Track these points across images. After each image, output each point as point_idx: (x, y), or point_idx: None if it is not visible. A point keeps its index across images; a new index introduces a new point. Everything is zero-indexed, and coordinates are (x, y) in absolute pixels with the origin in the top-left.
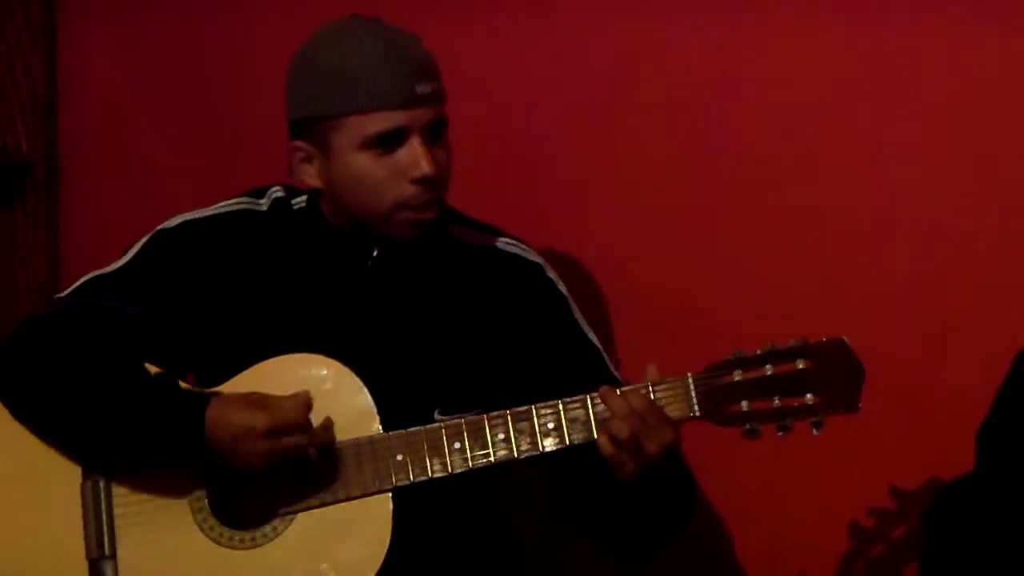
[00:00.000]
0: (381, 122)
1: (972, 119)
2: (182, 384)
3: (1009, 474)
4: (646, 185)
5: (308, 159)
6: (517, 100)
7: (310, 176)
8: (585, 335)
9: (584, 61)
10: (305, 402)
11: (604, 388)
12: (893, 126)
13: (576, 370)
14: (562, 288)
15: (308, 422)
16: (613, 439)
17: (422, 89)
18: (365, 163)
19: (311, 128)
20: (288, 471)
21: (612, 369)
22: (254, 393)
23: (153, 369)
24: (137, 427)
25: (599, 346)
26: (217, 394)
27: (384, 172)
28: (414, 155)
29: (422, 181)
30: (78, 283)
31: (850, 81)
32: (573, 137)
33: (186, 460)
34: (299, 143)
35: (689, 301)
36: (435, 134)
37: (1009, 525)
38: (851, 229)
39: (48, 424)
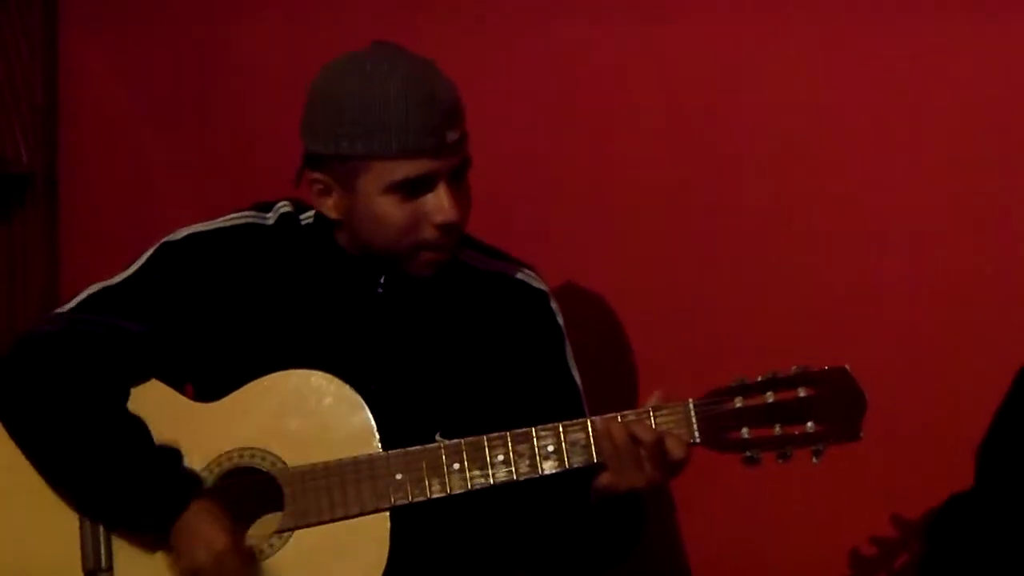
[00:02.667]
0: (410, 169)
1: (981, 124)
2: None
3: (1009, 490)
4: (648, 206)
5: (327, 191)
6: (517, 113)
7: (327, 208)
8: (570, 372)
9: (586, 72)
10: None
11: (609, 416)
12: (898, 135)
13: (552, 404)
14: (560, 321)
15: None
16: (616, 449)
17: (452, 136)
18: (389, 206)
19: (333, 163)
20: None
21: (586, 411)
22: (230, 517)
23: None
24: (112, 489)
25: (580, 386)
26: (201, 498)
27: (408, 215)
28: (440, 201)
29: (446, 226)
30: (82, 296)
31: (857, 89)
32: (573, 152)
33: (143, 532)
34: (318, 175)
35: (691, 324)
36: (460, 177)
37: (1009, 541)
38: (852, 247)
39: (32, 451)
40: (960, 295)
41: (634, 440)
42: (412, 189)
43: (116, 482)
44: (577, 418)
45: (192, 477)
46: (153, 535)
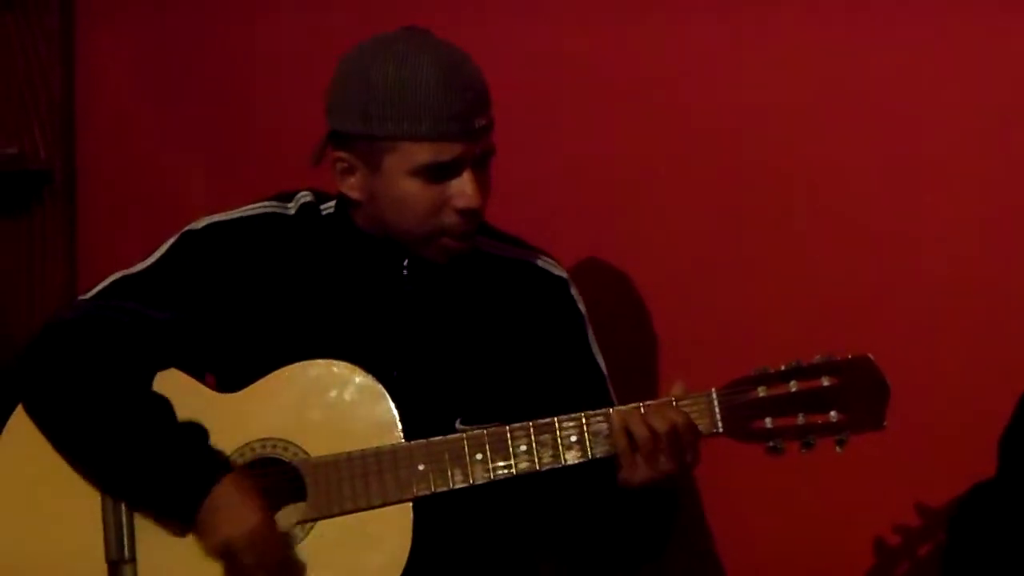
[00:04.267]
0: (439, 153)
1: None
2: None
3: None
4: (672, 196)
5: (351, 171)
6: (537, 103)
7: (350, 187)
8: (594, 358)
9: (600, 68)
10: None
11: (631, 406)
12: (916, 130)
13: (577, 391)
14: (582, 307)
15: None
16: (633, 443)
17: (480, 122)
18: (414, 188)
19: (359, 143)
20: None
21: (613, 397)
22: (261, 493)
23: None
24: (141, 471)
25: (605, 372)
26: (231, 477)
27: (432, 199)
28: (464, 187)
29: (468, 212)
30: (105, 283)
31: (870, 86)
32: (596, 145)
33: (171, 516)
34: (343, 154)
35: (713, 315)
36: (483, 164)
37: None
38: (875, 238)
39: (59, 436)
40: (985, 286)
41: (653, 432)
42: (438, 173)
43: (144, 462)
44: (604, 404)
45: (220, 456)
46: (178, 521)
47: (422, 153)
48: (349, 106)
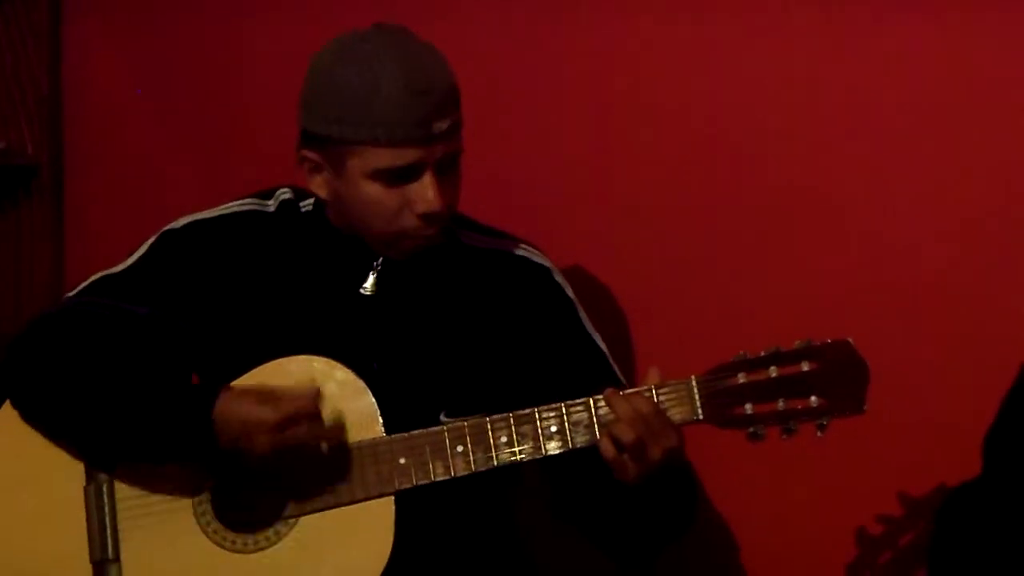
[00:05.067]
0: (396, 157)
1: (979, 119)
2: (190, 380)
3: (1016, 479)
4: (648, 186)
5: (318, 170)
6: (520, 102)
7: (317, 186)
8: (591, 338)
9: (588, 63)
10: (315, 394)
11: (608, 391)
12: (897, 126)
13: (582, 374)
14: (569, 292)
15: (318, 413)
16: (616, 442)
17: (440, 126)
18: (375, 191)
19: (325, 143)
20: (295, 468)
21: (618, 372)
22: (264, 386)
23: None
24: (146, 421)
25: (605, 350)
26: (227, 388)
27: (393, 202)
28: (424, 191)
29: (428, 216)
30: (86, 283)
31: (854, 82)
32: (576, 139)
33: (195, 455)
34: (310, 154)
35: (692, 302)
36: (448, 165)
37: (1016, 530)
38: (857, 230)
39: (57, 420)
40: (972, 283)
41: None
42: (397, 177)
43: (141, 414)
44: (608, 381)
45: (208, 386)
46: (200, 451)
47: (380, 157)
48: (315, 107)
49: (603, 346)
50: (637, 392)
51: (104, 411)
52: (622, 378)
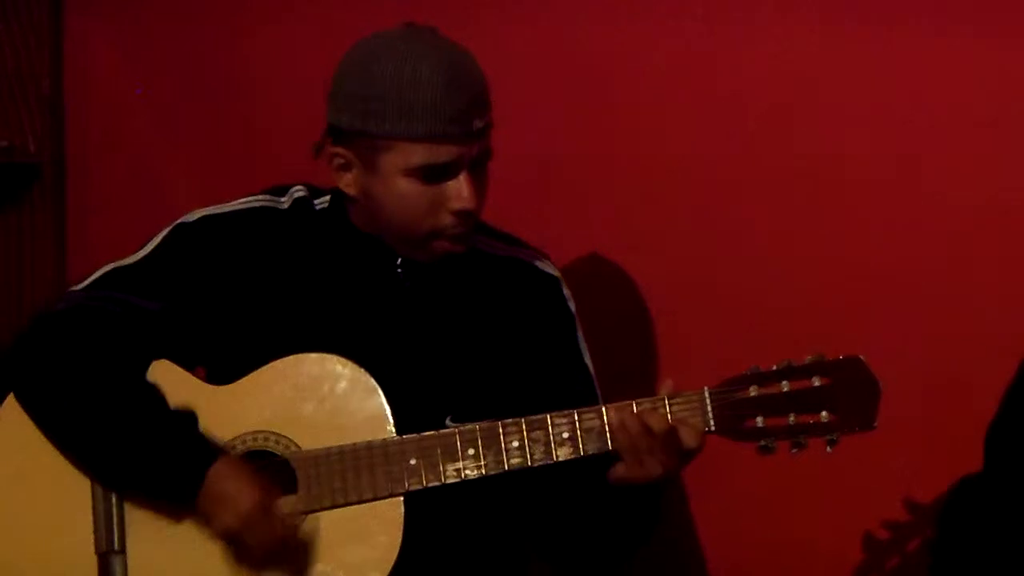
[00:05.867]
0: (435, 154)
1: (987, 121)
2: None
3: (1017, 475)
4: (664, 197)
5: (347, 167)
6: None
7: (346, 184)
8: (582, 357)
9: (593, 64)
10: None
11: (624, 403)
12: (908, 130)
13: (563, 389)
14: (572, 306)
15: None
16: (634, 441)
17: (478, 124)
18: (409, 188)
19: (356, 139)
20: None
21: (599, 396)
22: (256, 474)
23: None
24: (139, 456)
25: (592, 371)
26: (226, 456)
27: (427, 199)
28: (460, 188)
29: (463, 214)
30: (96, 274)
31: (863, 84)
32: (587, 145)
33: (169, 499)
34: (340, 150)
35: (706, 315)
36: (480, 165)
37: (1017, 526)
38: (867, 239)
39: (51, 426)
40: (969, 281)
41: (648, 431)
42: (434, 174)
43: (137, 451)
44: (590, 403)
45: (213, 442)
46: (174, 508)
47: (418, 153)
48: (348, 102)
49: (592, 368)
50: (650, 404)
51: (99, 435)
52: (601, 403)
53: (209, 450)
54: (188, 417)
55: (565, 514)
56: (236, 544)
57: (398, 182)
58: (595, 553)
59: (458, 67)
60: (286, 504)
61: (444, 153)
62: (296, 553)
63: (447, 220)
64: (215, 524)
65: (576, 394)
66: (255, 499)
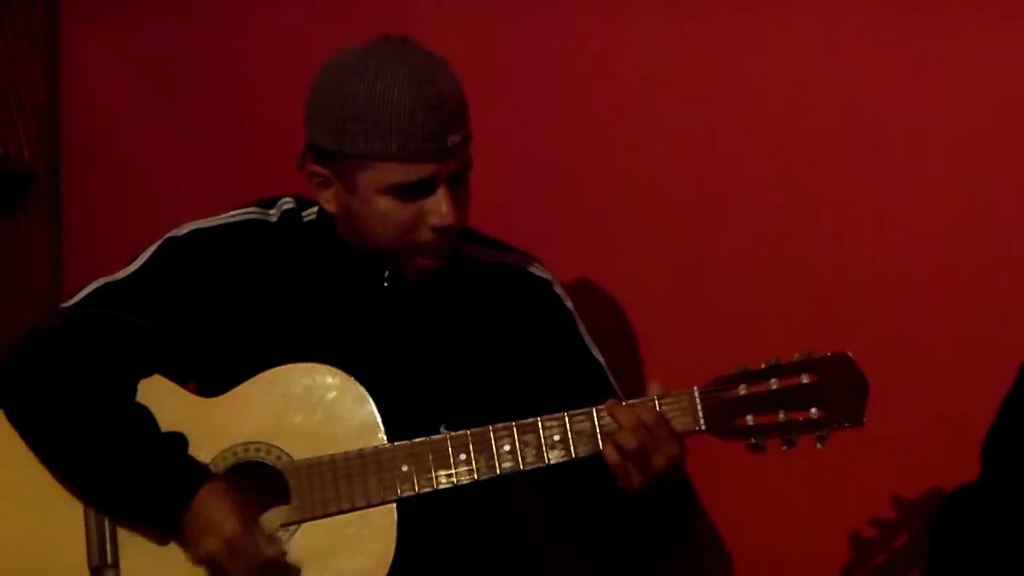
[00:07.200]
0: (410, 172)
1: (979, 121)
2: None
3: (1015, 482)
4: (650, 197)
5: (326, 184)
6: (520, 104)
7: (326, 201)
8: (589, 351)
9: (588, 69)
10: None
11: (611, 400)
12: (899, 131)
13: (579, 386)
14: (569, 304)
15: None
16: (620, 450)
17: (454, 139)
18: (388, 206)
19: (334, 158)
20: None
21: (615, 386)
22: (240, 500)
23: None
24: (124, 483)
25: (603, 363)
26: (213, 483)
27: (406, 216)
28: (439, 205)
29: (442, 229)
30: (87, 290)
31: (856, 88)
32: (576, 147)
33: (154, 521)
34: (318, 168)
35: (693, 314)
36: (459, 179)
37: (1015, 533)
38: (858, 238)
39: (41, 444)
40: (967, 286)
41: (642, 425)
42: (410, 192)
43: (124, 473)
44: (607, 395)
45: (199, 465)
46: (162, 528)
47: (394, 172)
48: (323, 121)
49: (601, 359)
50: (640, 402)
51: (86, 454)
52: (619, 391)
53: (194, 475)
54: (176, 439)
55: (583, 518)
56: (216, 569)
57: (376, 200)
58: (619, 554)
59: (432, 83)
60: (274, 518)
61: (420, 171)
62: (290, 563)
63: (427, 236)
64: (198, 550)
65: (591, 390)
66: (236, 527)
